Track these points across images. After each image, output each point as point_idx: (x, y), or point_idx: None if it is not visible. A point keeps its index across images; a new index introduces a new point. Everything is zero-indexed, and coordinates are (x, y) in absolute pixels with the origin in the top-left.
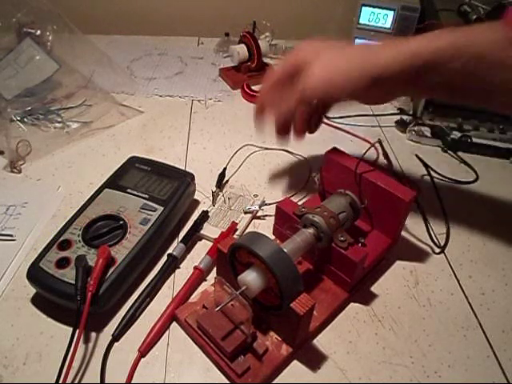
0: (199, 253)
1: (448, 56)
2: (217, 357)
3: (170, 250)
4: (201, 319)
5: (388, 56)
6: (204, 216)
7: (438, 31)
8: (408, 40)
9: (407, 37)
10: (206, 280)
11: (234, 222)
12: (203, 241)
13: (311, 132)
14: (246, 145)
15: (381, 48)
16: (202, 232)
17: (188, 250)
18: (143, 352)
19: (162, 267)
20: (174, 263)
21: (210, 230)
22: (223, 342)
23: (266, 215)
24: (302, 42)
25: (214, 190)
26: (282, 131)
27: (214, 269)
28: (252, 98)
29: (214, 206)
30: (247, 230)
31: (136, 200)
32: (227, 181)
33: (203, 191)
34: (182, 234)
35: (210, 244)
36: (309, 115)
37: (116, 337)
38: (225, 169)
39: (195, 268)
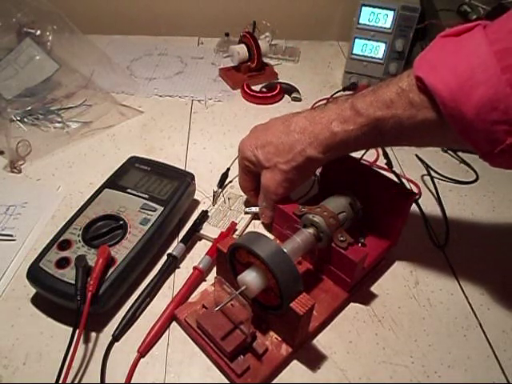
0: (199, 253)
1: (369, 136)
2: (216, 356)
3: (169, 250)
4: (200, 319)
5: (316, 147)
6: (204, 216)
7: (358, 105)
8: (328, 125)
9: (323, 119)
10: (205, 280)
11: (233, 221)
12: (203, 241)
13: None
14: None
15: (307, 140)
16: (201, 232)
17: (188, 250)
18: (142, 352)
19: (161, 267)
20: (173, 263)
21: (210, 230)
22: (223, 341)
23: None
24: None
25: (215, 190)
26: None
27: (214, 269)
28: (252, 98)
29: (214, 205)
30: (247, 230)
31: (136, 200)
32: (230, 181)
33: (203, 191)
34: (182, 234)
35: (210, 244)
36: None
37: (116, 337)
38: (228, 169)
39: (195, 268)
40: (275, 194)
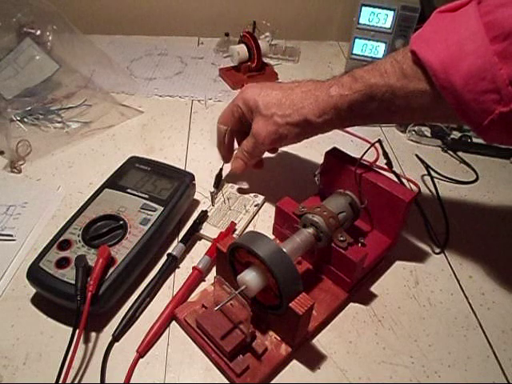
0: (199, 252)
1: (363, 102)
2: (216, 356)
3: (169, 250)
4: (200, 318)
5: (313, 109)
6: (203, 216)
7: (351, 76)
8: (327, 89)
9: (325, 85)
10: (204, 280)
11: (233, 221)
12: (203, 240)
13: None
14: None
15: (307, 100)
16: (201, 232)
17: (188, 250)
18: (142, 352)
19: (161, 267)
20: (173, 263)
21: (210, 230)
22: (222, 341)
23: (266, 215)
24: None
25: (211, 191)
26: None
27: (214, 268)
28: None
29: (213, 205)
30: (246, 230)
31: (136, 200)
32: (225, 181)
33: (203, 191)
34: (182, 234)
35: (210, 244)
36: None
37: (116, 337)
38: (221, 169)
39: (194, 268)
40: (262, 144)
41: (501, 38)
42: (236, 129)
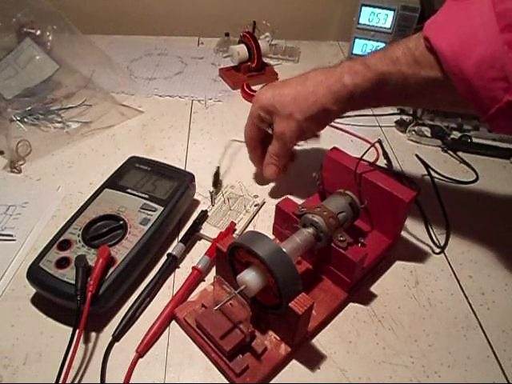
0: (199, 252)
1: (375, 90)
2: (215, 356)
3: (169, 250)
4: (200, 318)
5: (329, 99)
6: (203, 216)
7: (363, 64)
8: (340, 78)
9: (337, 73)
10: (204, 280)
11: (233, 221)
12: (203, 240)
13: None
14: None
15: (321, 91)
16: (201, 232)
17: (188, 250)
18: (141, 352)
19: (161, 267)
20: (173, 263)
21: (210, 230)
22: (222, 340)
23: (266, 215)
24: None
25: (210, 191)
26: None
27: (213, 268)
28: (252, 97)
29: (213, 205)
30: (246, 230)
31: (136, 200)
32: (221, 181)
33: (203, 191)
34: (182, 234)
35: (210, 244)
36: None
37: (116, 337)
38: (218, 168)
39: (193, 268)
40: (288, 143)
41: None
42: (261, 137)
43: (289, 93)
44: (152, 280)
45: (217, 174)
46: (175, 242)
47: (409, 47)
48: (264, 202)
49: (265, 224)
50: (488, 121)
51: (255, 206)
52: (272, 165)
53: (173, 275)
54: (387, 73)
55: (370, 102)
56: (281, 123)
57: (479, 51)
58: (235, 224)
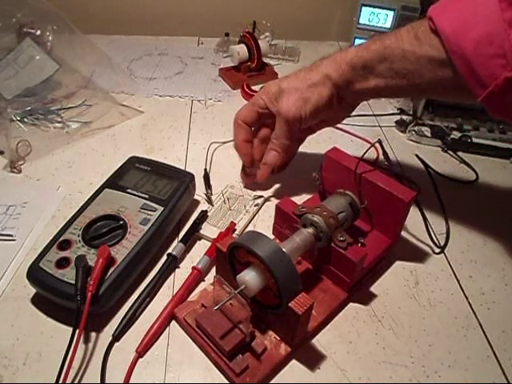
0: (199, 252)
1: (376, 61)
2: (215, 356)
3: (169, 250)
4: (199, 318)
5: (331, 65)
6: (203, 216)
7: (371, 39)
8: (345, 51)
9: (344, 49)
10: (204, 280)
11: (232, 221)
12: (203, 240)
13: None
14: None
15: (325, 61)
16: (201, 232)
17: (188, 250)
18: (141, 352)
19: (161, 267)
20: (173, 263)
21: (210, 230)
22: (222, 340)
23: (266, 215)
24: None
25: (205, 193)
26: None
27: (213, 268)
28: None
29: (212, 206)
30: (246, 230)
31: (136, 200)
32: (211, 185)
33: (203, 191)
34: (182, 234)
35: (209, 244)
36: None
37: (116, 337)
38: (205, 169)
39: (193, 268)
40: (292, 119)
41: None
42: (255, 125)
43: (297, 74)
44: (152, 280)
45: (206, 176)
46: (175, 242)
47: (412, 26)
48: (265, 201)
49: (265, 224)
50: (484, 101)
51: (255, 206)
52: (272, 150)
53: (173, 275)
54: (389, 46)
55: (369, 77)
56: (283, 99)
57: (479, 28)
58: (235, 224)
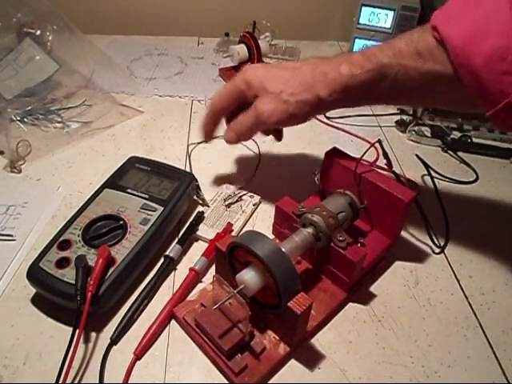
0: (197, 253)
1: (375, 82)
2: (214, 355)
3: (167, 252)
4: (199, 317)
5: (324, 88)
6: (199, 217)
7: (369, 51)
8: (338, 67)
9: (334, 62)
10: (202, 281)
11: (229, 222)
12: (200, 241)
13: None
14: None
15: (316, 77)
16: (198, 233)
17: (185, 251)
18: (139, 354)
19: (158, 269)
20: (170, 264)
21: (207, 231)
22: (221, 340)
23: (266, 215)
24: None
25: (197, 195)
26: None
27: (211, 269)
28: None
29: (208, 207)
30: (244, 230)
31: (136, 200)
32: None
33: (203, 191)
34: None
35: (207, 244)
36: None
37: (114, 340)
38: (192, 174)
39: (190, 269)
40: (265, 122)
41: None
42: (231, 110)
43: (282, 74)
44: (149, 282)
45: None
46: (175, 243)
47: (412, 39)
48: (260, 202)
49: (264, 224)
50: (492, 116)
51: (252, 205)
52: (233, 133)
53: (172, 276)
54: (388, 65)
55: (366, 96)
56: (265, 100)
57: (491, 42)
58: (232, 225)
